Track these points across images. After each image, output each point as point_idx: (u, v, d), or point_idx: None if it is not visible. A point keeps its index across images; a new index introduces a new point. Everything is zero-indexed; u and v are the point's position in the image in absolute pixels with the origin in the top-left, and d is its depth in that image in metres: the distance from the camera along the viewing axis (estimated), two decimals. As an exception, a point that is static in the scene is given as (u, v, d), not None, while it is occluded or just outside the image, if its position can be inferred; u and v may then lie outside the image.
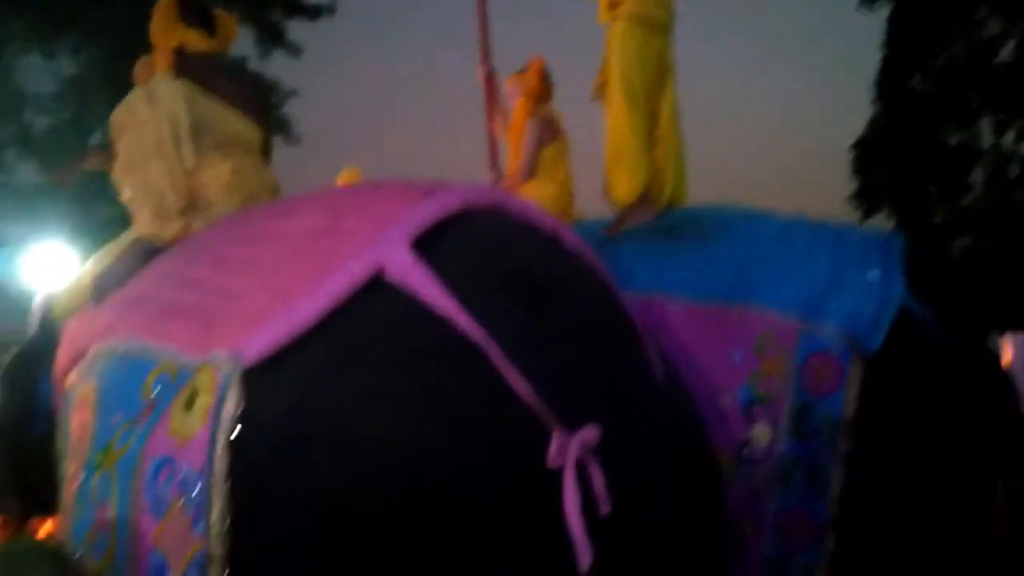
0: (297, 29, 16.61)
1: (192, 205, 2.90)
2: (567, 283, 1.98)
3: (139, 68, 3.67)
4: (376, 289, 1.90)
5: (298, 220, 2.20)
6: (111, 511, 2.06)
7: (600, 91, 3.88)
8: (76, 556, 2.08)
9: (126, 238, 2.95)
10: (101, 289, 2.74)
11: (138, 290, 2.49)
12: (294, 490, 1.78)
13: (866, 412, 2.73)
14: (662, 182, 3.70)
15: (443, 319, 1.83)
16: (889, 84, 20.72)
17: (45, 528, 3.48)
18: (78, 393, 2.44)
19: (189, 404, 1.93)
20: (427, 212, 2.01)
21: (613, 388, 1.90)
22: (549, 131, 4.49)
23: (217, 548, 1.82)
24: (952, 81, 20.04)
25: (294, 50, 16.46)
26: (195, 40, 3.12)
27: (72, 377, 2.64)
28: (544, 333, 1.87)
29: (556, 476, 1.70)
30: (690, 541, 1.97)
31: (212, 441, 1.85)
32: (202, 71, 3.09)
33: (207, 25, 3.17)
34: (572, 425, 1.73)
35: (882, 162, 20.80)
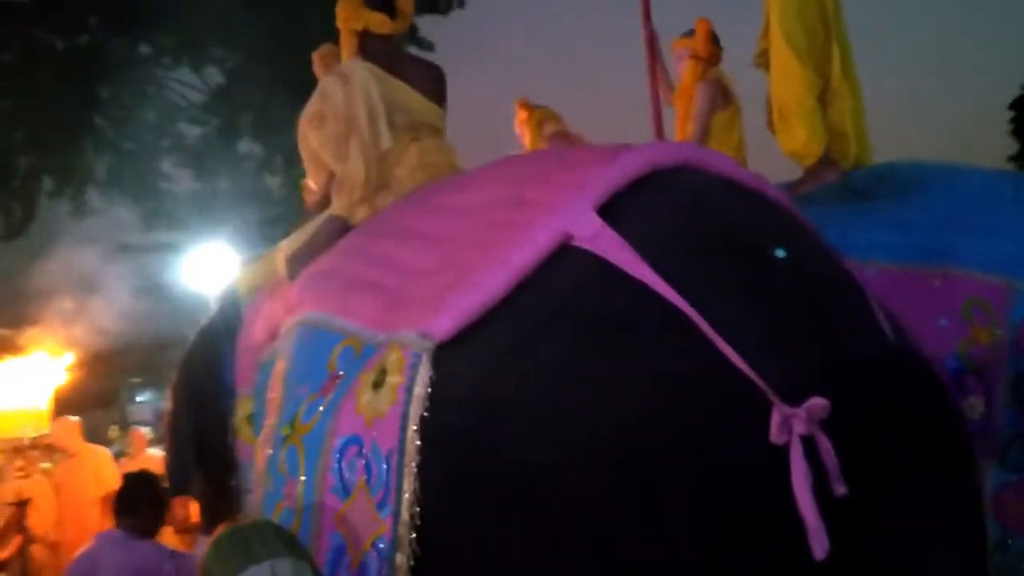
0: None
1: (384, 185, 2.92)
2: (779, 241, 1.79)
3: (319, 57, 3.72)
4: (564, 258, 1.78)
5: (478, 193, 2.11)
6: (298, 487, 2.03)
7: (763, 57, 3.71)
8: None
9: (321, 217, 2.98)
10: (296, 266, 2.77)
11: (325, 265, 2.47)
12: (492, 470, 1.68)
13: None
14: (845, 141, 3.49)
15: (640, 286, 1.68)
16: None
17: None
18: (276, 366, 2.45)
19: (378, 383, 1.88)
20: (611, 176, 1.86)
21: (841, 353, 1.68)
22: (721, 95, 4.27)
23: (405, 532, 1.75)
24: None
25: (426, 44, 16.63)
26: (378, 23, 3.13)
27: (268, 351, 2.66)
28: (756, 297, 1.68)
29: (781, 454, 1.51)
30: (944, 526, 1.72)
31: (403, 421, 1.78)
32: (386, 54, 3.11)
33: (389, 8, 3.18)
34: (795, 397, 1.53)
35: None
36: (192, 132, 16.19)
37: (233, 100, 15.82)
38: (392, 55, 3.15)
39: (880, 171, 3.32)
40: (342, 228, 2.83)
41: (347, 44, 3.20)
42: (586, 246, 1.77)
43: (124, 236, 15.23)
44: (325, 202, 3.09)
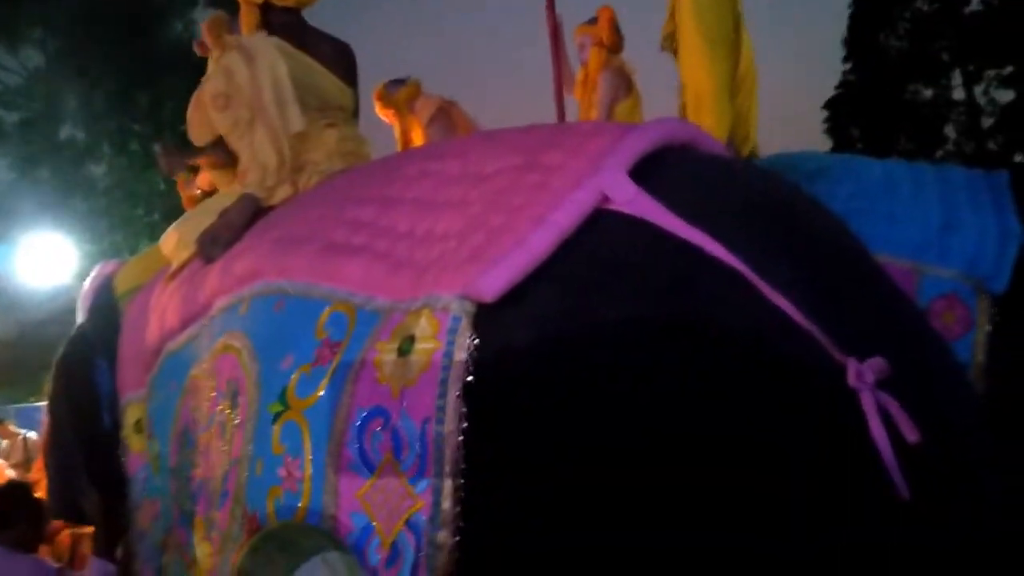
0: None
1: (300, 168, 2.77)
2: (807, 213, 1.82)
3: (207, 27, 3.45)
4: (602, 221, 1.73)
5: (487, 161, 2.02)
6: (304, 468, 1.88)
7: (669, 41, 3.78)
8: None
9: (228, 196, 2.80)
10: (212, 246, 2.59)
11: (279, 233, 2.31)
12: (544, 442, 1.59)
13: (997, 357, 2.64)
14: (747, 129, 3.59)
15: (691, 247, 1.65)
16: (858, 42, 20.88)
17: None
18: (209, 348, 2.27)
19: (405, 350, 1.76)
20: (636, 143, 1.83)
21: (884, 317, 1.72)
22: (624, 84, 4.34)
23: (448, 507, 1.63)
24: (921, 35, 20.23)
25: None
26: None
27: (180, 339, 2.49)
28: (799, 263, 1.69)
29: (851, 409, 1.52)
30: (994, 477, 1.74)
31: (441, 389, 1.67)
32: (293, 28, 2.89)
33: None
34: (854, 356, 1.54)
35: (854, 121, 20.99)
36: (10, 118, 15.06)
37: (55, 85, 14.81)
38: (299, 29, 2.92)
39: (783, 161, 3.39)
40: (256, 208, 2.66)
41: (248, 16, 2.96)
42: (625, 209, 1.73)
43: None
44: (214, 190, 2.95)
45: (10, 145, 14.79)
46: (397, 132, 4.69)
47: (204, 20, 4.12)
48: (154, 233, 13.62)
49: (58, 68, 14.84)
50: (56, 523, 3.70)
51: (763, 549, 1.49)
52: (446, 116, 4.55)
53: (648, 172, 1.82)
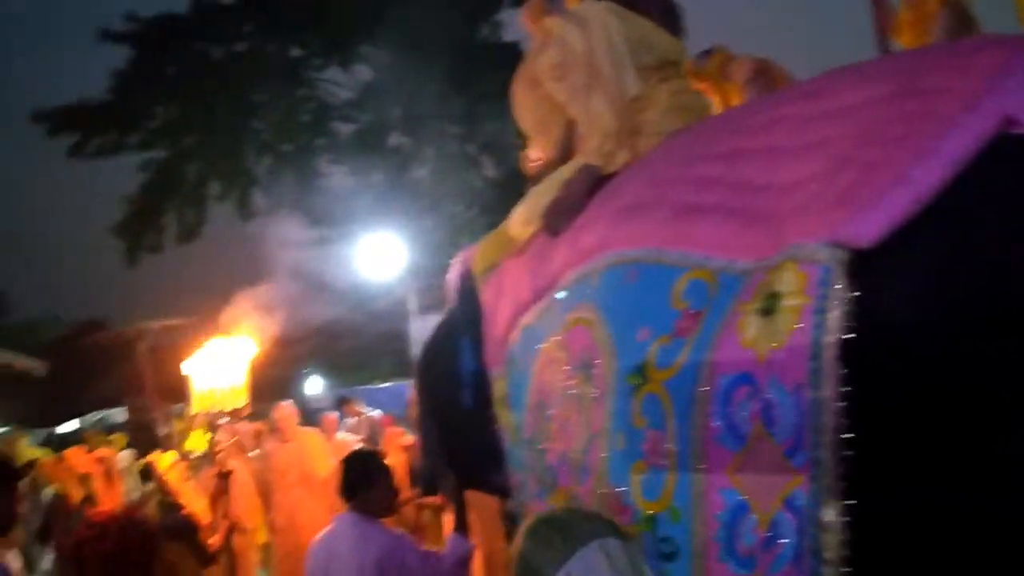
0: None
1: (637, 130, 2.68)
2: None
3: (528, 10, 3.48)
4: (1006, 148, 1.47)
5: (843, 95, 1.80)
6: (666, 442, 1.76)
7: None
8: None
9: (570, 168, 2.77)
10: (557, 219, 2.57)
11: (626, 202, 2.22)
12: (936, 396, 1.39)
13: None
14: None
15: None
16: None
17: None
18: (560, 322, 2.23)
19: (768, 309, 1.59)
20: None
21: None
22: (965, 25, 3.82)
23: (831, 482, 1.45)
24: None
25: None
26: None
27: (530, 315, 2.47)
28: None
29: None
30: None
31: (815, 348, 1.48)
32: None
33: None
34: None
35: None
36: (344, 129, 16.53)
37: (383, 95, 16.04)
38: None
39: None
40: (597, 177, 2.59)
41: None
42: None
43: (287, 233, 15.71)
44: (558, 162, 2.89)
45: (347, 154, 16.22)
46: (717, 103, 4.48)
47: (519, 13, 4.16)
48: (473, 228, 14.38)
49: (383, 81, 16.05)
50: (404, 494, 3.87)
51: None
52: (763, 75, 4.28)
53: None
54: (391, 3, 15.07)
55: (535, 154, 3.16)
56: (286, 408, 6.68)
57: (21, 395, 13.13)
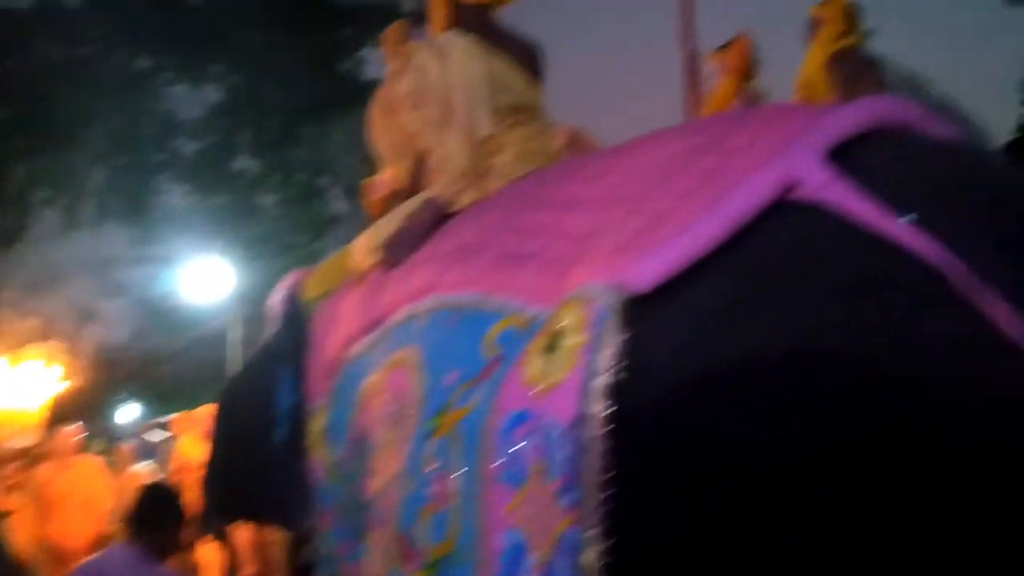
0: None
1: (487, 172, 2.66)
2: None
3: (389, 35, 3.44)
4: (788, 209, 1.52)
5: (659, 149, 1.86)
6: (453, 483, 1.74)
7: None
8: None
9: (415, 201, 2.72)
10: (394, 253, 2.51)
11: (457, 243, 2.21)
12: (703, 453, 1.40)
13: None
14: None
15: (887, 242, 1.42)
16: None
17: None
18: (385, 360, 2.18)
19: (551, 347, 1.59)
20: (837, 123, 1.59)
21: None
22: None
23: (593, 523, 1.46)
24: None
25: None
26: None
27: (358, 347, 2.40)
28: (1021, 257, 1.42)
29: None
30: None
31: (585, 388, 1.50)
32: (485, 25, 2.79)
33: None
34: None
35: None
36: (189, 147, 16.00)
37: (231, 117, 15.65)
38: (491, 27, 2.81)
39: None
40: (441, 212, 2.58)
41: (438, 14, 2.85)
42: (816, 196, 1.50)
43: (114, 249, 14.96)
44: (407, 193, 2.86)
45: (189, 173, 15.69)
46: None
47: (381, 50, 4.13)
48: (313, 260, 14.07)
49: (234, 102, 15.69)
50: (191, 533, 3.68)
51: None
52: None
53: (851, 157, 1.58)
54: (250, 25, 14.79)
55: (386, 175, 3.10)
56: (67, 433, 6.37)
57: None
